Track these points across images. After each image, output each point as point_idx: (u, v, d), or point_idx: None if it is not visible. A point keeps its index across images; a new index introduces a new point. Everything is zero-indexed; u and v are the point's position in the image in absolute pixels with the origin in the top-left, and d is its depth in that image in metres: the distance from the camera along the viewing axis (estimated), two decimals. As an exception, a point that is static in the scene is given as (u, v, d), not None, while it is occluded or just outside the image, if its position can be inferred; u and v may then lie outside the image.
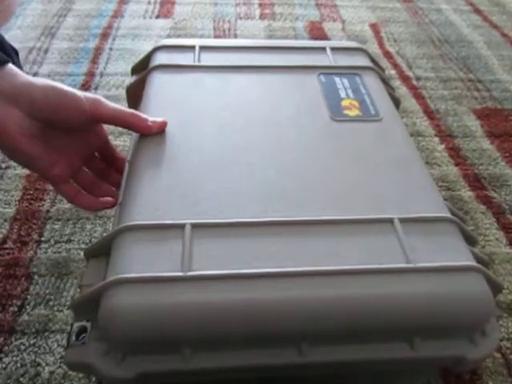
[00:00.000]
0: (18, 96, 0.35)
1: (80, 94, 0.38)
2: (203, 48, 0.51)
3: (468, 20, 1.12)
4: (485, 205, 0.66)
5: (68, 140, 0.40)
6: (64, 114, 0.37)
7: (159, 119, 0.41)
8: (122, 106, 0.40)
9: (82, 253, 0.56)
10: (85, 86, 0.82)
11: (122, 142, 0.70)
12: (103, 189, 0.44)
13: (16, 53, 0.56)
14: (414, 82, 0.90)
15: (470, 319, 0.31)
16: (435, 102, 0.85)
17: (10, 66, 0.36)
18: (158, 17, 1.04)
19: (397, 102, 0.49)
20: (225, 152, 0.39)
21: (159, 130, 0.40)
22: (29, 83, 0.36)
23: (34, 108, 0.35)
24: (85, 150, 0.42)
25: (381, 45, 1.00)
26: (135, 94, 0.49)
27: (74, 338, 0.31)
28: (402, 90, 0.87)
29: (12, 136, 0.35)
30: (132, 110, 0.41)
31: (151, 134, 0.40)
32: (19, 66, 0.55)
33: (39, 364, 0.46)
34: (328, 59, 0.51)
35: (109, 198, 0.43)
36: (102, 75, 0.85)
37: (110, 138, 0.69)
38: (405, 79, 0.90)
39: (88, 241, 0.57)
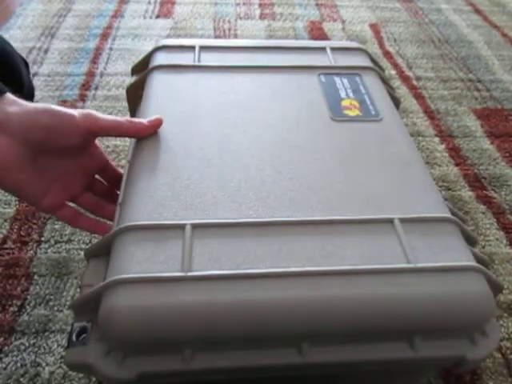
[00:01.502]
0: (8, 124, 0.34)
1: (72, 111, 0.37)
2: (203, 48, 0.51)
3: (468, 20, 1.13)
4: (485, 205, 0.66)
5: (63, 166, 0.39)
6: (58, 132, 0.36)
7: (153, 117, 0.41)
8: (115, 116, 0.39)
9: (82, 253, 0.56)
10: (85, 86, 0.82)
11: (121, 142, 0.70)
12: (107, 210, 0.43)
13: (26, 64, 0.56)
14: (414, 82, 0.90)
15: (470, 319, 0.31)
16: (435, 102, 0.85)
17: (7, 95, 0.35)
18: (158, 17, 1.05)
19: (397, 102, 0.49)
20: (225, 152, 0.39)
21: (156, 128, 0.40)
22: (21, 110, 0.35)
23: (26, 133, 0.35)
24: (83, 175, 0.41)
25: (381, 45, 1.00)
26: (135, 94, 0.49)
27: (74, 338, 0.31)
28: (402, 90, 0.87)
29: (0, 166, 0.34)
30: (126, 117, 0.40)
31: (150, 133, 0.40)
32: (24, 79, 0.55)
33: (39, 364, 0.46)
34: (328, 59, 0.51)
35: (110, 223, 0.41)
36: (102, 75, 0.85)
37: (110, 138, 0.70)
38: (405, 79, 0.90)
39: (88, 241, 0.57)
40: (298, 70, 0.49)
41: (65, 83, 0.82)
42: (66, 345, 0.46)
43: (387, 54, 0.97)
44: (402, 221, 0.34)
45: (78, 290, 0.51)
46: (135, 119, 0.41)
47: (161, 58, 0.49)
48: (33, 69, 0.85)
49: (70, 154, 0.39)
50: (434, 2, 1.20)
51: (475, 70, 0.95)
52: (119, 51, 0.92)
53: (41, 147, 0.36)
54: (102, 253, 0.34)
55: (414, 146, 0.42)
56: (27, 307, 0.50)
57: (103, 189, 0.44)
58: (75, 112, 0.37)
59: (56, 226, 0.58)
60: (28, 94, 0.56)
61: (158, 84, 0.46)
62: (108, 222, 0.42)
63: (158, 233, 0.33)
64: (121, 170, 0.45)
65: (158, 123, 0.40)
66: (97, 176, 0.44)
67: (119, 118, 0.39)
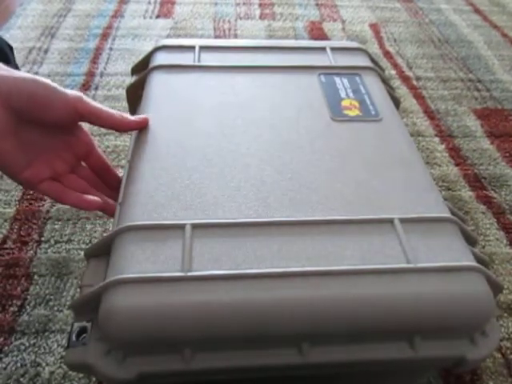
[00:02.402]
0: None
1: (63, 89, 0.37)
2: (203, 48, 0.51)
3: (468, 20, 1.12)
4: (485, 205, 0.66)
5: (48, 142, 0.39)
6: (44, 104, 0.36)
7: (142, 116, 0.41)
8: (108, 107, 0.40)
9: (82, 253, 0.56)
10: (85, 86, 0.82)
11: (121, 141, 0.70)
12: (93, 194, 0.41)
13: (10, 47, 0.56)
14: (414, 82, 0.90)
15: (470, 319, 0.31)
16: (435, 102, 0.85)
17: None
18: (158, 17, 1.04)
19: (397, 102, 0.49)
20: (225, 152, 0.39)
21: (143, 126, 0.41)
22: (8, 74, 0.34)
23: (10, 98, 0.34)
24: (68, 155, 0.41)
25: (381, 45, 1.00)
26: (135, 94, 0.49)
27: (74, 338, 0.31)
28: (402, 90, 0.87)
29: None
30: (118, 112, 0.40)
31: (134, 129, 0.41)
32: (11, 60, 0.55)
33: (39, 364, 0.46)
34: (328, 59, 0.51)
35: (96, 198, 0.40)
36: (102, 75, 0.85)
37: (110, 138, 0.71)
38: (405, 79, 0.90)
39: (88, 241, 0.57)
40: (298, 70, 0.49)
41: (65, 83, 0.82)
42: (66, 345, 0.46)
43: (387, 54, 0.97)
44: (402, 221, 0.34)
45: (78, 289, 0.51)
46: (126, 114, 0.41)
47: (161, 58, 0.49)
48: (33, 69, 0.85)
49: (56, 131, 0.39)
50: (433, 1, 1.20)
51: (475, 70, 0.95)
52: (119, 51, 0.92)
53: (26, 116, 0.36)
54: (102, 253, 0.34)
55: (414, 146, 0.42)
56: (27, 307, 0.50)
57: (88, 176, 0.43)
58: (66, 90, 0.37)
59: (56, 226, 0.58)
60: None
61: (158, 84, 0.46)
62: (96, 198, 0.40)
63: (158, 233, 0.33)
64: (111, 166, 0.44)
65: (144, 121, 0.41)
66: (83, 163, 0.43)
67: (111, 110, 0.39)
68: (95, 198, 0.40)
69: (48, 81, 0.36)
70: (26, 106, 0.35)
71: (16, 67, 0.57)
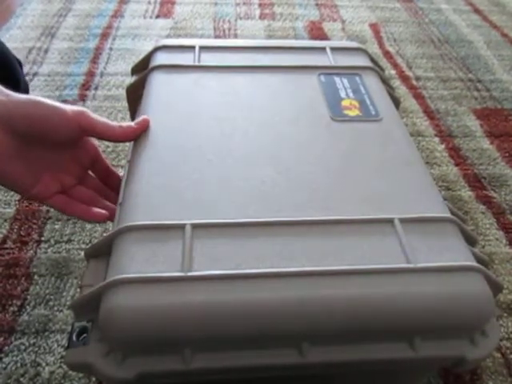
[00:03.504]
0: None
1: (65, 106, 0.37)
2: (203, 48, 0.51)
3: (468, 20, 1.13)
4: (485, 205, 0.66)
5: (54, 157, 0.39)
6: (46, 125, 0.36)
7: (141, 118, 0.41)
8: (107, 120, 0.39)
9: (82, 253, 0.56)
10: (85, 86, 0.82)
11: (121, 142, 0.70)
12: (100, 204, 0.42)
13: (19, 63, 0.57)
14: (414, 82, 0.90)
15: (469, 319, 0.31)
16: (435, 102, 0.85)
17: None
18: (158, 17, 1.05)
19: (397, 102, 0.49)
20: (225, 152, 0.39)
21: (144, 129, 0.41)
22: (7, 99, 0.35)
23: (11, 122, 0.34)
24: (75, 168, 0.41)
25: (381, 45, 1.00)
26: (135, 94, 0.49)
27: (74, 338, 0.31)
28: (402, 90, 0.87)
29: None
30: (117, 123, 0.40)
31: (136, 138, 0.41)
32: (20, 76, 0.55)
33: (39, 364, 0.46)
34: (328, 59, 0.51)
35: (102, 211, 0.41)
36: (102, 75, 0.85)
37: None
38: (405, 79, 0.90)
39: (88, 241, 0.57)
40: (298, 70, 0.49)
41: (65, 83, 0.82)
42: (66, 345, 0.46)
43: (387, 54, 0.97)
44: (402, 221, 0.34)
45: (78, 290, 0.51)
46: (124, 124, 0.40)
47: (161, 58, 0.49)
48: (33, 69, 0.85)
49: (62, 147, 0.39)
50: (433, 1, 1.20)
51: (475, 69, 0.95)
52: (119, 51, 0.92)
53: (29, 138, 0.36)
54: (102, 253, 0.34)
55: (414, 146, 0.42)
56: (27, 307, 0.50)
57: (95, 185, 0.44)
58: (67, 107, 0.37)
59: (56, 226, 0.58)
60: (25, 92, 0.56)
61: (158, 84, 0.46)
62: (102, 211, 0.41)
63: (158, 233, 0.33)
64: (114, 169, 0.44)
65: (145, 124, 0.41)
66: (89, 172, 0.43)
67: (111, 122, 0.39)
68: (101, 211, 0.41)
69: (48, 101, 0.36)
70: (28, 129, 0.35)
71: (25, 82, 0.57)
